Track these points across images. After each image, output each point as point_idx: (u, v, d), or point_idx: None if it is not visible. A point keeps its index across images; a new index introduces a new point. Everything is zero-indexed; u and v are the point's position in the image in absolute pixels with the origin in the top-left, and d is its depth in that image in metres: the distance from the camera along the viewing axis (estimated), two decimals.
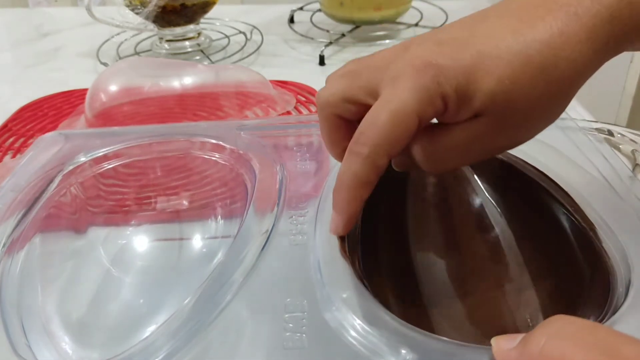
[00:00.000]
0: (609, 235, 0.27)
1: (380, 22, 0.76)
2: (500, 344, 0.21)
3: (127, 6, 0.71)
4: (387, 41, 0.77)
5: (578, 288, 0.29)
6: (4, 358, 0.25)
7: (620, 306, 0.24)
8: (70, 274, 0.33)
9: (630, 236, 0.27)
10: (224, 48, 0.76)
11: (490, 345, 0.22)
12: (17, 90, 0.65)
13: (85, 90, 0.55)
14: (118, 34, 0.80)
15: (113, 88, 0.52)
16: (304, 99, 0.62)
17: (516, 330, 0.27)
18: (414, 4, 0.80)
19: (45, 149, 0.39)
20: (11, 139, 0.56)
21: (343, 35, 0.76)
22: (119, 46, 0.77)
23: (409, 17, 0.81)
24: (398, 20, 0.79)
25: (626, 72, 1.43)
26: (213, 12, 0.76)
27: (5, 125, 0.59)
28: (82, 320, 0.30)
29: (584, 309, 0.27)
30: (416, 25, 0.79)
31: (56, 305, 0.30)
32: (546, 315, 0.26)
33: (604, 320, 0.23)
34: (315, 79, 0.66)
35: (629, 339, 0.17)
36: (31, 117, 0.60)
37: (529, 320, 0.30)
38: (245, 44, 0.77)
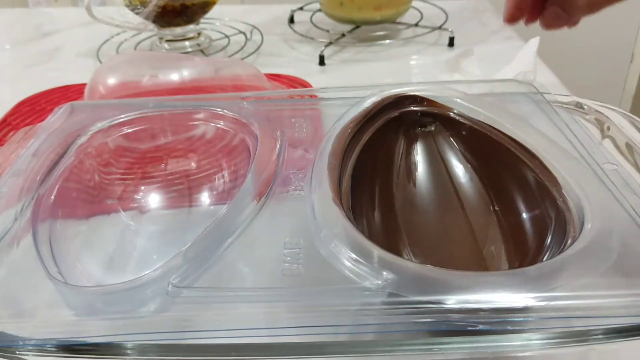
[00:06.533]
0: (569, 191, 0.32)
1: (380, 22, 0.77)
2: None
3: (127, 6, 0.71)
4: (387, 41, 0.77)
5: (540, 231, 0.33)
6: (40, 280, 0.28)
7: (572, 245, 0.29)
8: (92, 224, 0.37)
9: (587, 194, 0.31)
10: (224, 48, 0.76)
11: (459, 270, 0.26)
12: (17, 90, 0.65)
13: (81, 85, 0.55)
14: (118, 34, 0.80)
15: (111, 81, 0.52)
16: None
17: (483, 259, 0.33)
18: (414, 4, 0.80)
19: (60, 118, 0.42)
20: (11, 133, 0.56)
21: (343, 35, 0.76)
22: (119, 46, 0.77)
23: (409, 17, 0.81)
24: (398, 20, 0.79)
25: (626, 72, 1.43)
26: (213, 12, 0.76)
27: (4, 120, 0.59)
28: (107, 256, 0.34)
29: (545, 248, 0.32)
30: (416, 25, 0.79)
31: (83, 243, 0.34)
32: (508, 249, 0.34)
33: (561, 254, 0.28)
34: (315, 78, 0.66)
35: None
36: (29, 112, 0.61)
37: (493, 251, 0.34)
38: (245, 44, 0.77)
